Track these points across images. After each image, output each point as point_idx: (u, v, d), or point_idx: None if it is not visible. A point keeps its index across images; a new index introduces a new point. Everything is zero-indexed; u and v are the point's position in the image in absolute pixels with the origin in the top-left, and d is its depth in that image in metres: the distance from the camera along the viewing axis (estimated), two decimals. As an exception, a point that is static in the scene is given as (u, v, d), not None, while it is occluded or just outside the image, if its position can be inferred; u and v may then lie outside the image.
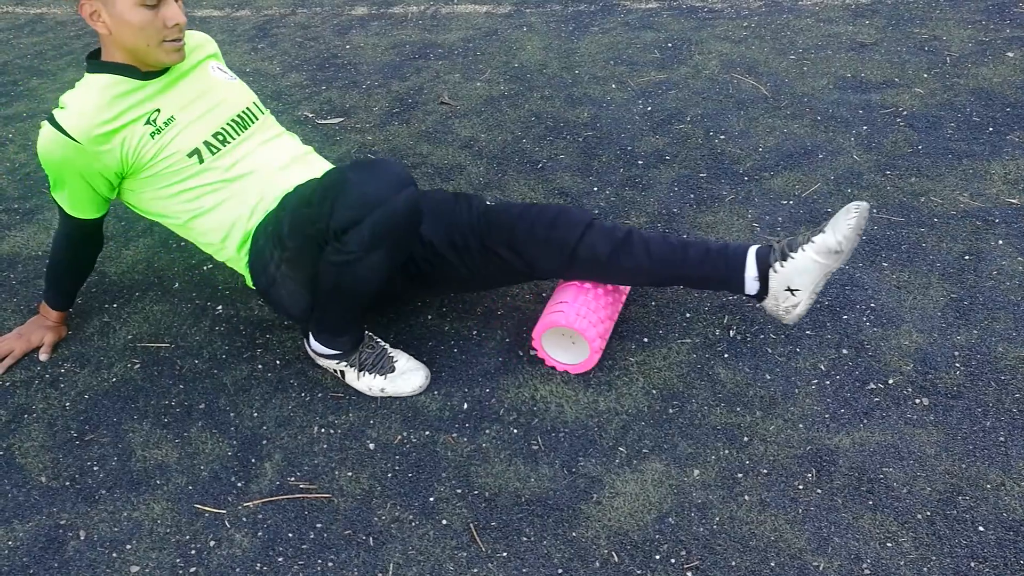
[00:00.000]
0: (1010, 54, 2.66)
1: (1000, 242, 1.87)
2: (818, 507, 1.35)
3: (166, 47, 1.53)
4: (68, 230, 1.71)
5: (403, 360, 1.66)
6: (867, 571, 1.25)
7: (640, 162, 2.33)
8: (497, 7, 3.60)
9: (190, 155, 1.58)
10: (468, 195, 1.71)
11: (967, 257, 1.84)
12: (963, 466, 1.39)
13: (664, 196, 2.17)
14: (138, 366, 1.78)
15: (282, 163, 1.66)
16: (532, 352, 1.69)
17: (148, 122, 1.55)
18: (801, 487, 1.39)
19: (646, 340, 1.71)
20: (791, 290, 1.48)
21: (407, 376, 1.63)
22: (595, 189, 2.23)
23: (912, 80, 2.58)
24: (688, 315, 1.76)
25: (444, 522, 1.40)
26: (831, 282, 1.80)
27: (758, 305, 1.71)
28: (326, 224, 1.39)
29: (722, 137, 2.41)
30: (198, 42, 1.72)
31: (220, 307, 1.93)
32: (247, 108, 1.69)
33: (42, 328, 1.85)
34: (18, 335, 1.84)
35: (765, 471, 1.42)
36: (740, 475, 1.42)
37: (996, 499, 1.34)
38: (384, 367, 1.63)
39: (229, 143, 1.62)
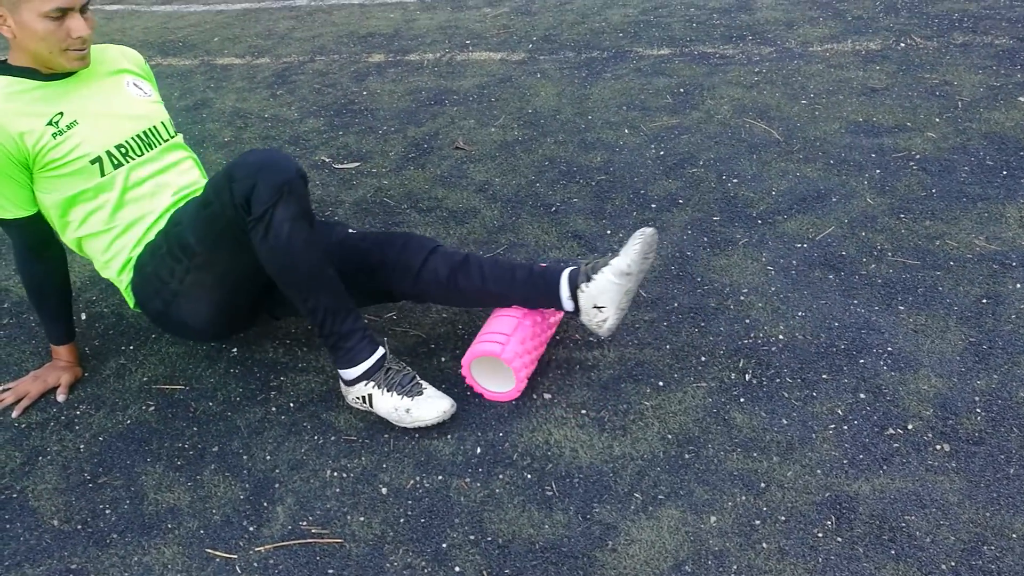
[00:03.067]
0: (1022, 99, 2.67)
1: (1018, 285, 1.86)
2: (839, 556, 1.33)
3: (69, 55, 1.60)
4: (15, 242, 1.72)
5: (431, 389, 1.65)
6: (891, 623, 1.22)
7: (653, 205, 2.35)
8: (511, 54, 3.66)
9: (92, 162, 1.64)
10: (331, 224, 1.84)
11: (985, 300, 1.83)
12: (987, 514, 1.36)
13: (677, 239, 2.17)
14: (153, 408, 1.79)
15: (177, 189, 1.74)
16: (464, 381, 1.73)
17: (50, 123, 1.61)
18: (820, 535, 1.36)
19: (661, 384, 1.70)
20: (598, 307, 1.62)
21: (433, 401, 1.62)
22: (608, 232, 2.24)
23: (924, 124, 2.59)
24: (703, 359, 1.75)
25: (457, 569, 1.38)
26: (846, 325, 1.79)
27: (576, 320, 1.80)
28: (232, 205, 1.49)
29: (735, 181, 2.42)
30: (116, 55, 1.79)
31: (235, 349, 1.94)
32: (154, 127, 1.76)
33: (57, 369, 1.86)
34: (34, 377, 1.85)
35: (783, 518, 1.40)
36: (758, 522, 1.40)
37: (1022, 549, 1.30)
38: (412, 390, 1.63)
39: (132, 159, 1.69)
